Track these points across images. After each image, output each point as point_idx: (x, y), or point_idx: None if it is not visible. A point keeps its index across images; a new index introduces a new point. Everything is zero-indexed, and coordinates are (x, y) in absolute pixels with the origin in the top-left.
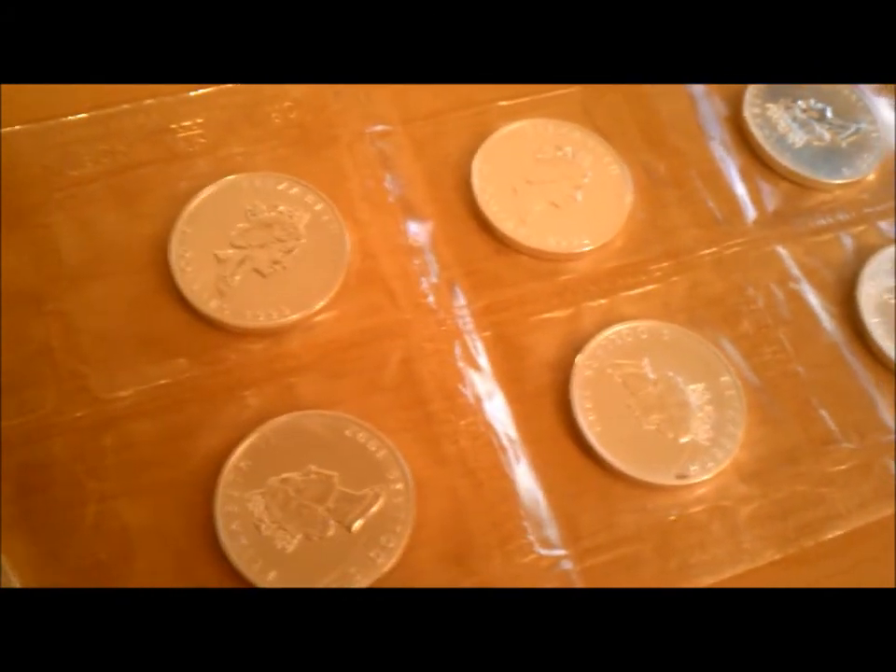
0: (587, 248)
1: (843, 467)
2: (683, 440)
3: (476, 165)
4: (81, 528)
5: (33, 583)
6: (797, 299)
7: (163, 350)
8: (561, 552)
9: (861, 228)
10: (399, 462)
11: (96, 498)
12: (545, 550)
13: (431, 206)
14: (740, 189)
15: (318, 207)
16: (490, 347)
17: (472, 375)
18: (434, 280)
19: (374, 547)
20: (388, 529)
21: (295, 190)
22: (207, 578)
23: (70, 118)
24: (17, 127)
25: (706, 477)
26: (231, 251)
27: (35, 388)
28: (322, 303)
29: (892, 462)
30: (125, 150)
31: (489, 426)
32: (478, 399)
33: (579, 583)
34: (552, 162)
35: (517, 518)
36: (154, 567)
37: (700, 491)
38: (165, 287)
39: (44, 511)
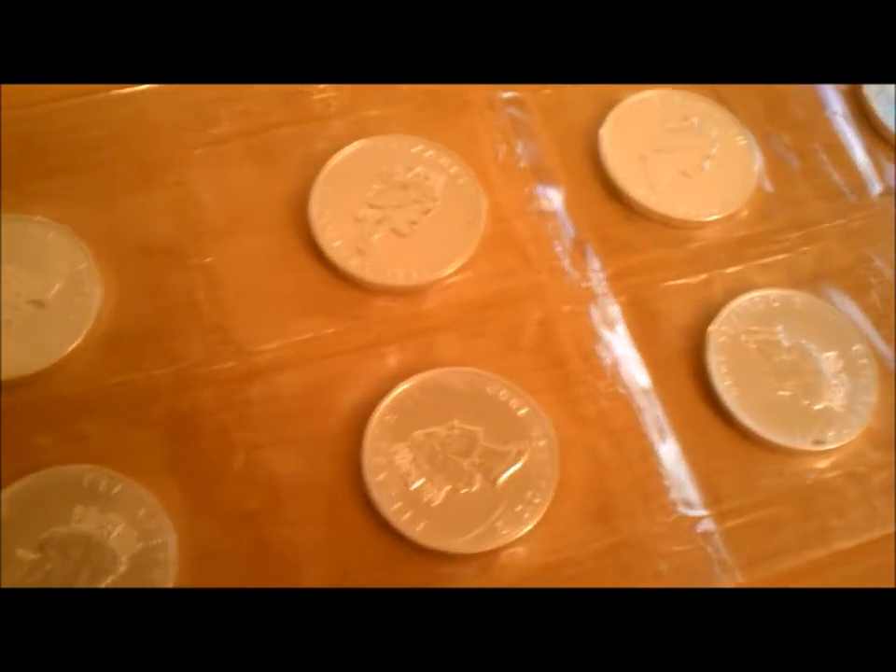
0: (716, 217)
1: None
2: (818, 406)
3: (604, 133)
4: (230, 477)
5: (187, 530)
6: None
7: (305, 306)
8: (702, 512)
9: None
10: (542, 420)
11: (244, 448)
12: (687, 510)
13: (561, 172)
14: (863, 163)
15: (453, 170)
16: (625, 311)
17: (609, 338)
18: (567, 244)
19: (520, 502)
20: (533, 485)
21: (430, 153)
22: (356, 528)
23: None
24: (153, 86)
25: (841, 444)
26: (369, 211)
27: (181, 339)
28: (459, 264)
29: None
30: (261, 111)
31: (627, 388)
32: (615, 362)
33: (721, 544)
34: (679, 132)
35: (658, 478)
36: (303, 517)
37: (834, 457)
38: (304, 245)
39: (194, 459)
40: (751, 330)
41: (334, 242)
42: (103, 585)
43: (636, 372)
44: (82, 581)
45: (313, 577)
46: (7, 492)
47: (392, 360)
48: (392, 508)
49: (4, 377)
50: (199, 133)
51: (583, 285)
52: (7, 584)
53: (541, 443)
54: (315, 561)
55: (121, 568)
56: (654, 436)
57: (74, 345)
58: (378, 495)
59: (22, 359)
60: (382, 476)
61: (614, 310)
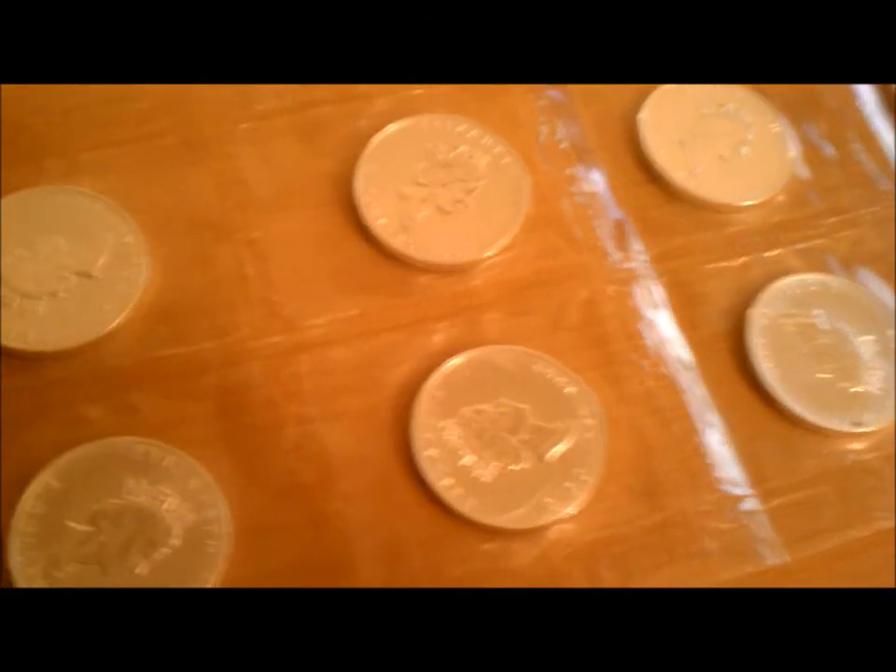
0: (753, 202)
1: None
2: (856, 389)
3: (643, 117)
4: (281, 450)
5: (238, 502)
6: None
7: (352, 282)
8: (746, 490)
9: None
10: (589, 398)
11: (295, 421)
12: (731, 488)
13: (601, 154)
14: (894, 152)
15: (497, 150)
16: (668, 293)
17: (652, 319)
18: (609, 225)
19: (568, 479)
20: (581, 462)
21: (473, 132)
22: (405, 502)
23: None
24: None
25: (879, 426)
26: (414, 189)
27: (229, 313)
28: (503, 243)
29: None
30: (305, 88)
31: (670, 368)
32: (659, 343)
33: (765, 523)
34: (715, 118)
35: (702, 456)
36: (354, 491)
37: (873, 439)
38: (349, 222)
39: (244, 433)
40: (790, 313)
41: (379, 219)
42: (156, 557)
43: (679, 353)
44: (134, 553)
45: (364, 549)
46: (57, 463)
47: (438, 337)
48: (441, 483)
49: (52, 348)
50: (244, 108)
51: (626, 266)
52: (59, 556)
53: (588, 421)
54: (366, 534)
55: (174, 541)
56: (698, 416)
57: (122, 317)
58: (427, 470)
59: (71, 330)
60: (431, 451)
61: (657, 291)
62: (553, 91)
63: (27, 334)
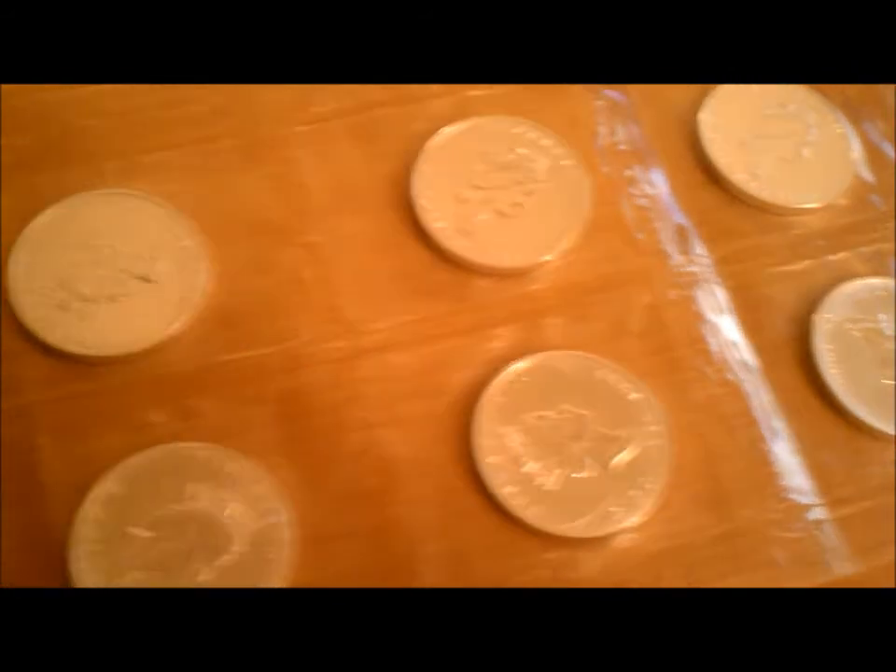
0: (815, 205)
1: None
2: None
3: (703, 118)
4: (344, 455)
5: (302, 508)
6: None
7: (411, 286)
8: (814, 500)
9: None
10: (653, 405)
11: (357, 427)
12: (798, 497)
13: (661, 156)
14: None
15: (556, 152)
16: (731, 297)
17: (716, 324)
18: (671, 229)
19: (633, 487)
20: (646, 470)
21: (532, 134)
22: (468, 509)
23: None
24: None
25: None
26: (472, 192)
27: (290, 317)
28: (564, 246)
29: None
30: (362, 90)
31: (736, 374)
32: (723, 348)
33: (833, 532)
34: (777, 118)
35: (769, 465)
36: (416, 496)
37: None
38: (407, 225)
39: (307, 438)
40: (855, 318)
41: (437, 222)
42: (219, 564)
43: (743, 358)
44: (197, 560)
45: (428, 555)
46: (119, 469)
47: (499, 343)
48: (504, 490)
49: (112, 353)
50: (301, 110)
51: (688, 269)
52: (121, 562)
53: (653, 429)
54: (429, 540)
55: (237, 547)
56: (764, 423)
57: (183, 322)
58: (490, 477)
59: (131, 335)
60: (493, 458)
61: (721, 295)
62: (611, 92)
63: (87, 339)
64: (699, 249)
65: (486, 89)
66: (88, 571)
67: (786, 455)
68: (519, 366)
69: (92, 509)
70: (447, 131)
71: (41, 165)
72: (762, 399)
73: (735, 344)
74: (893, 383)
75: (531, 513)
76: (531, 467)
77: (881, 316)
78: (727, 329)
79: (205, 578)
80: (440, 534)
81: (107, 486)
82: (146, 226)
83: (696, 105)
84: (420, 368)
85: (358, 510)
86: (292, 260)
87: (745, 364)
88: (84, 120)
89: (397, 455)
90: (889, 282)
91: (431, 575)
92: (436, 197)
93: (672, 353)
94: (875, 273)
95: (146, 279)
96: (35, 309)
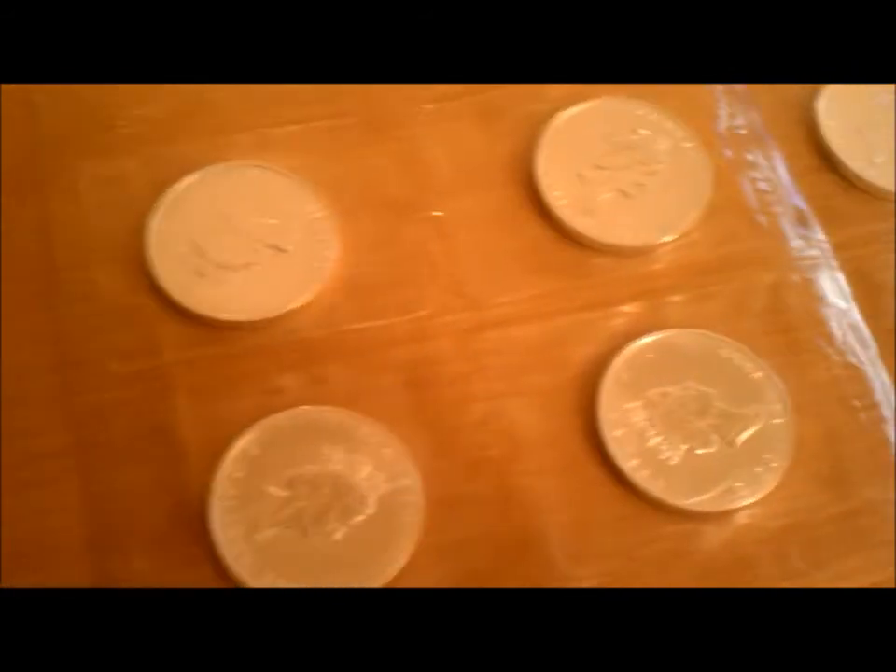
0: None
1: None
2: None
3: (821, 105)
4: (469, 424)
5: (430, 473)
6: None
7: (533, 262)
8: None
9: None
10: (776, 384)
11: (482, 397)
12: None
13: (778, 142)
14: None
15: (678, 134)
16: (851, 282)
17: (836, 307)
18: (790, 212)
19: (758, 464)
20: (770, 448)
21: (654, 116)
22: (593, 481)
23: None
24: None
25: None
26: (595, 171)
27: (416, 289)
28: (686, 226)
29: None
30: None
31: (856, 356)
32: (844, 331)
33: None
34: (892, 107)
35: (890, 446)
36: (541, 467)
37: None
38: (529, 203)
39: (433, 406)
40: None
41: (560, 200)
42: (352, 523)
43: (864, 342)
44: (332, 519)
45: (553, 525)
46: (255, 429)
47: (621, 319)
48: (629, 464)
49: (247, 318)
50: (426, 89)
51: (808, 253)
52: (259, 519)
53: (776, 407)
54: (554, 510)
55: (369, 509)
56: (884, 405)
57: (312, 291)
58: (615, 450)
59: (265, 302)
60: (618, 432)
61: (840, 279)
62: None
63: (223, 304)
64: (818, 234)
65: None
66: (227, 526)
67: None
68: (643, 342)
69: (230, 467)
70: (570, 111)
71: (175, 136)
72: (883, 381)
73: (853, 327)
74: None
75: (656, 487)
76: (655, 441)
77: None
78: (847, 313)
79: (338, 537)
80: (563, 504)
81: (244, 446)
82: (277, 198)
83: (814, 92)
84: (542, 342)
85: (483, 477)
86: (417, 234)
87: (865, 348)
88: (215, 94)
89: (520, 425)
90: None
91: (558, 544)
92: (558, 176)
93: (793, 334)
94: None
95: (280, 249)
96: (172, 274)
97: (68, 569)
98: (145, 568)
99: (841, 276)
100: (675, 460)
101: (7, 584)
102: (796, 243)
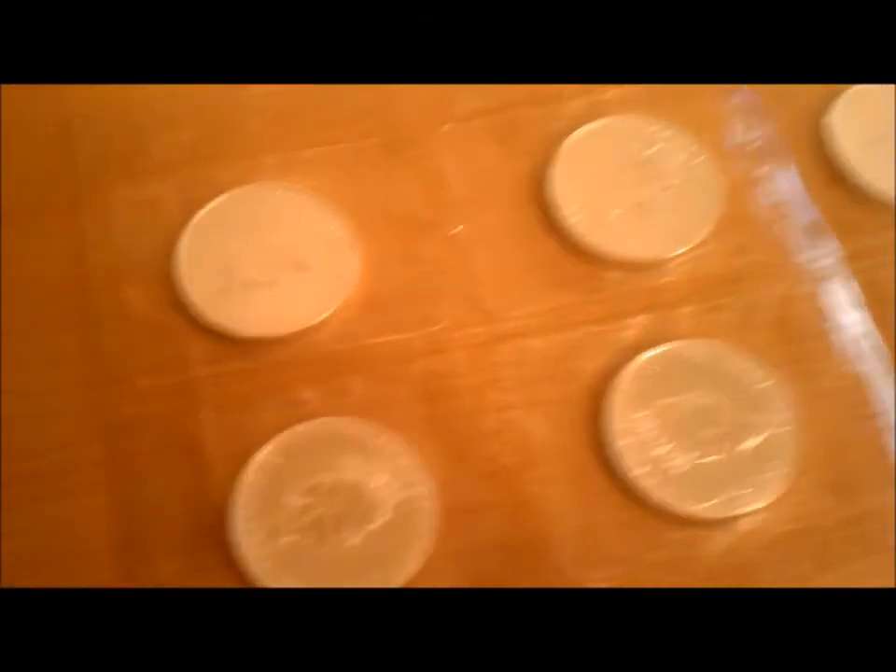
0: None
1: None
2: None
3: (833, 120)
4: (483, 434)
5: (444, 481)
6: None
7: (548, 277)
8: None
9: None
10: (783, 393)
11: (496, 408)
12: None
13: (790, 156)
14: None
15: (691, 149)
16: (862, 292)
17: (846, 317)
18: (801, 225)
19: (762, 471)
20: (775, 455)
21: (667, 132)
22: (601, 489)
23: None
24: None
25: None
26: (608, 186)
27: (433, 304)
28: (697, 240)
29: None
30: (500, 91)
31: (865, 366)
32: (853, 341)
33: None
34: None
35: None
36: (552, 475)
37: None
38: (543, 220)
39: (448, 417)
40: None
41: (574, 217)
42: (368, 530)
43: (874, 352)
44: (349, 526)
45: (561, 531)
46: (277, 439)
47: (632, 332)
48: (637, 472)
49: (271, 333)
50: (444, 110)
51: (818, 265)
52: (279, 526)
53: (783, 416)
54: (563, 517)
55: (384, 516)
56: (892, 415)
57: (336, 306)
58: (623, 459)
59: (288, 317)
60: (626, 441)
61: (851, 290)
62: (741, 93)
63: (247, 320)
64: (829, 246)
65: (620, 89)
66: (249, 532)
67: None
68: (652, 353)
69: (252, 476)
70: (584, 129)
71: (206, 159)
72: (891, 391)
73: (863, 338)
74: None
75: (661, 494)
76: (662, 450)
77: None
78: (857, 324)
79: (354, 543)
80: (572, 511)
81: (267, 456)
82: (301, 217)
83: (826, 105)
84: (555, 354)
85: (495, 485)
86: (435, 251)
87: (874, 357)
88: (245, 118)
89: (533, 435)
90: None
91: (565, 550)
92: (573, 192)
93: (802, 344)
94: None
95: (301, 266)
96: (201, 292)
97: (97, 573)
98: (170, 572)
99: (852, 287)
100: (683, 468)
101: (40, 585)
102: (808, 254)
